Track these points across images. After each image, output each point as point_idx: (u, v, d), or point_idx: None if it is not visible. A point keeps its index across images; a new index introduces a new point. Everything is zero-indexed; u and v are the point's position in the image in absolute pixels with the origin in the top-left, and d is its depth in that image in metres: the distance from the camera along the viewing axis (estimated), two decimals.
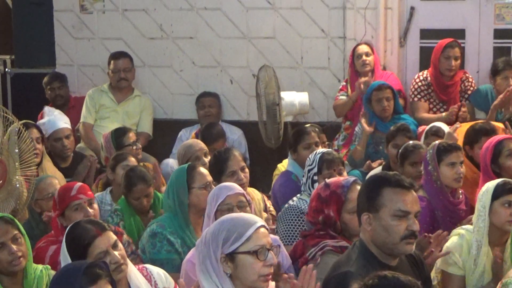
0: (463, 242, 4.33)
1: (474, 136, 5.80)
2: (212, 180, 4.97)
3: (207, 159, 5.88)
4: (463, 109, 7.13)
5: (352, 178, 4.46)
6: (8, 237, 3.94)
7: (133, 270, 3.80)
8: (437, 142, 5.35)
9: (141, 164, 6.02)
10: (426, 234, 4.33)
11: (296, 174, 6.00)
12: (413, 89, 7.53)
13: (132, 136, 6.78)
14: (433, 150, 5.13)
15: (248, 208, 4.24)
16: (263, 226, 3.42)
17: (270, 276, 3.40)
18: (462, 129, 6.09)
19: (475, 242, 4.26)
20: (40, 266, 4.11)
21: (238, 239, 3.35)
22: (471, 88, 7.48)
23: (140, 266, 3.98)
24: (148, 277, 3.87)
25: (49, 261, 4.39)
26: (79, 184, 4.88)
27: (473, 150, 5.75)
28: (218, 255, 3.37)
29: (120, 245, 3.74)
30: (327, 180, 4.50)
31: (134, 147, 6.58)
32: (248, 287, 3.36)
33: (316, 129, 6.27)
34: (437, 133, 6.19)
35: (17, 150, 4.38)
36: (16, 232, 3.98)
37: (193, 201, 4.80)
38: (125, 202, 5.58)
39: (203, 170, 4.98)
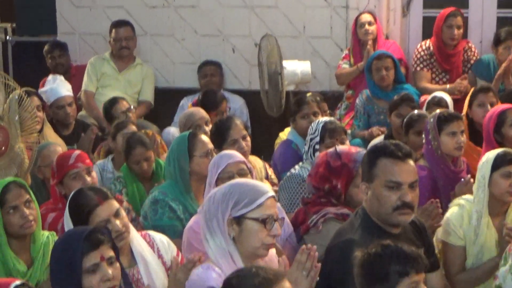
0: (463, 212, 4.31)
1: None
2: (214, 148, 4.97)
3: (208, 128, 5.89)
4: (464, 81, 7.15)
5: (364, 152, 4.36)
6: (21, 200, 3.95)
7: (136, 237, 3.81)
8: (437, 111, 5.36)
9: (142, 131, 6.00)
10: (432, 200, 4.32)
11: (296, 143, 6.02)
12: (415, 59, 7.53)
13: (124, 104, 6.80)
14: (434, 120, 5.13)
15: (249, 176, 4.24)
16: (273, 196, 3.44)
17: (272, 246, 3.43)
18: None
19: (475, 213, 4.25)
20: (46, 233, 4.13)
21: (248, 204, 3.37)
22: (474, 58, 7.48)
23: (143, 232, 3.99)
24: (151, 243, 3.89)
25: (48, 229, 4.39)
26: (77, 152, 4.86)
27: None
28: (226, 216, 3.38)
29: (122, 213, 3.74)
30: (338, 149, 4.44)
31: (128, 115, 6.62)
32: (249, 252, 3.37)
33: (317, 98, 6.26)
34: (439, 103, 6.18)
35: (17, 118, 4.36)
36: (28, 196, 3.99)
37: (194, 169, 4.80)
38: (127, 169, 5.59)
39: (205, 138, 4.97)
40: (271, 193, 3.44)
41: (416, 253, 3.06)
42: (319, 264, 3.16)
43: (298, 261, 3.17)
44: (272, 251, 3.57)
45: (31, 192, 4.07)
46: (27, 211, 3.94)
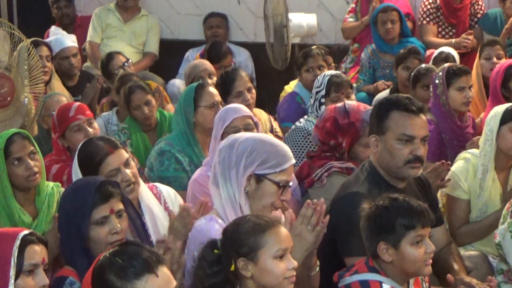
0: (469, 166, 4.32)
1: None
2: (221, 101, 4.95)
3: (211, 80, 5.85)
4: (470, 36, 7.10)
5: (371, 108, 4.36)
6: (25, 152, 3.95)
7: (144, 189, 3.80)
8: (446, 65, 5.32)
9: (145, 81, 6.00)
10: (444, 161, 4.31)
11: (302, 96, 6.02)
12: (422, 12, 7.44)
13: (120, 59, 6.76)
14: (443, 74, 5.11)
15: (255, 130, 4.23)
16: (293, 163, 3.46)
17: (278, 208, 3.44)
18: None
19: (481, 167, 4.25)
20: (51, 184, 4.13)
21: (274, 167, 3.37)
22: (481, 12, 7.39)
23: (150, 184, 4.00)
24: (158, 195, 3.89)
25: (53, 180, 4.39)
26: (77, 104, 4.84)
27: None
28: (248, 171, 3.38)
29: (132, 163, 3.73)
30: (347, 105, 4.40)
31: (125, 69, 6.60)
32: (257, 209, 3.37)
33: (322, 52, 6.23)
34: (446, 59, 6.13)
35: (26, 67, 4.35)
36: (32, 147, 3.99)
37: (199, 120, 4.80)
38: (131, 119, 5.60)
39: (212, 90, 4.95)
40: (294, 160, 3.46)
41: (423, 208, 3.07)
42: (327, 218, 3.16)
43: (303, 215, 3.16)
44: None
45: (35, 144, 4.06)
46: (31, 163, 3.93)
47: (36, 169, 3.92)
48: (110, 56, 6.79)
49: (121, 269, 2.29)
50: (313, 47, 6.44)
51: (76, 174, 3.69)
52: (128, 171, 3.65)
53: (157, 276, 2.30)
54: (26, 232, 2.82)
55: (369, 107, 4.46)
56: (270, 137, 3.68)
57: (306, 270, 3.20)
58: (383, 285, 3.05)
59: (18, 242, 2.75)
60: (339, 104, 4.47)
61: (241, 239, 2.88)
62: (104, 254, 2.36)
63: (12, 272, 2.71)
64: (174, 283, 2.35)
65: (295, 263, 2.91)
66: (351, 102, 4.54)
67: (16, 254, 2.73)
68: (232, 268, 2.88)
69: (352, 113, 4.33)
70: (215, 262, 2.93)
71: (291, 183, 3.45)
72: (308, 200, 3.19)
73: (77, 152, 3.77)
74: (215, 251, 2.95)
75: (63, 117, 4.69)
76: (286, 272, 2.87)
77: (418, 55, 6.24)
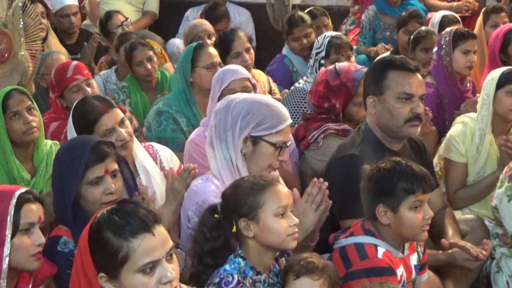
0: (466, 130, 4.32)
1: None
2: (220, 62, 4.92)
3: (210, 41, 5.81)
4: (471, 0, 7.07)
5: (363, 70, 4.35)
6: (23, 106, 3.95)
7: (138, 148, 3.81)
8: (454, 27, 5.31)
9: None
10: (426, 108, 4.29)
11: (290, 59, 6.02)
12: None
13: (119, 18, 6.76)
14: (449, 36, 5.10)
15: (252, 92, 4.21)
16: (290, 123, 3.46)
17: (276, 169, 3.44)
18: None
19: (478, 131, 4.25)
20: (49, 142, 4.13)
21: (270, 128, 3.37)
22: None
23: (147, 144, 4.00)
24: (154, 155, 3.90)
25: (51, 138, 4.40)
26: (75, 63, 4.80)
27: None
28: (244, 133, 3.38)
29: (127, 122, 3.74)
30: (337, 67, 4.41)
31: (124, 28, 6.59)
32: (254, 171, 3.37)
33: (309, 18, 6.17)
34: (452, 22, 6.06)
35: (21, 25, 4.33)
36: (30, 103, 3.99)
37: (196, 80, 4.79)
38: (131, 78, 5.59)
39: (212, 50, 4.92)
40: (290, 120, 3.45)
41: (425, 173, 3.07)
42: (330, 201, 3.16)
43: (309, 194, 3.16)
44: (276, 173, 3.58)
45: (33, 100, 4.05)
46: (29, 117, 3.94)
47: (34, 124, 3.93)
48: (109, 15, 6.77)
49: (118, 226, 2.28)
50: (309, 8, 6.41)
51: (72, 133, 3.69)
52: (123, 130, 3.64)
53: (153, 235, 2.30)
54: (22, 190, 2.83)
55: (360, 67, 4.47)
56: (266, 97, 3.66)
57: (305, 242, 3.21)
58: (378, 248, 3.05)
59: (14, 201, 2.76)
60: (330, 67, 4.47)
61: (241, 199, 2.89)
62: (102, 212, 2.36)
63: (9, 231, 2.72)
64: (171, 243, 2.35)
65: (296, 220, 2.91)
66: (342, 64, 4.52)
67: (13, 212, 2.74)
68: (234, 230, 2.89)
69: (343, 73, 4.33)
70: (215, 227, 2.95)
71: (289, 143, 3.45)
72: (315, 179, 3.19)
73: (72, 111, 3.78)
74: (215, 216, 2.96)
75: (61, 77, 4.67)
76: (288, 229, 2.87)
77: (420, 18, 6.19)
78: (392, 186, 3.02)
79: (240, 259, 2.89)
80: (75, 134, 3.63)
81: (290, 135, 4.43)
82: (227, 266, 2.87)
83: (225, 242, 2.93)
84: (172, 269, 2.31)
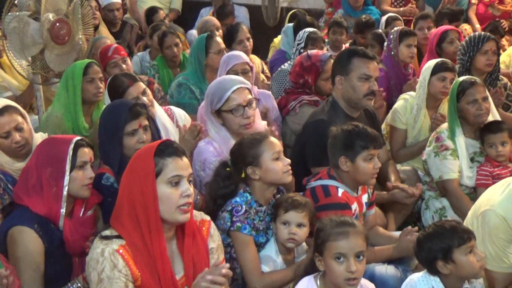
0: (407, 104, 4.30)
1: None
2: (225, 48, 4.90)
3: (218, 33, 5.77)
4: (413, 6, 7.04)
5: (328, 54, 4.41)
6: (98, 76, 3.99)
7: (159, 110, 3.79)
8: (400, 27, 5.33)
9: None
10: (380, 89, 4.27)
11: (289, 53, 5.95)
12: None
13: (161, 14, 6.90)
14: (397, 33, 5.09)
15: (250, 73, 4.19)
16: (240, 87, 3.37)
17: (251, 125, 3.37)
18: None
19: (416, 106, 4.24)
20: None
21: (219, 101, 3.35)
22: None
23: (166, 107, 3.98)
24: (171, 115, 3.88)
25: None
26: (114, 45, 4.82)
27: None
28: (209, 111, 3.41)
29: (148, 92, 3.71)
30: (309, 52, 4.44)
31: (164, 22, 6.62)
32: (234, 132, 3.37)
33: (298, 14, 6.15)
34: (396, 19, 6.19)
35: (79, 16, 4.30)
36: (101, 75, 4.02)
37: (208, 63, 4.76)
38: (160, 58, 5.57)
39: (219, 39, 4.92)
40: (238, 85, 3.37)
41: (376, 134, 3.07)
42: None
43: None
44: (260, 123, 3.55)
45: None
46: (100, 85, 3.96)
47: (101, 90, 3.95)
48: (155, 10, 6.96)
49: (160, 150, 2.36)
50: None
51: (107, 100, 3.69)
52: (145, 98, 3.62)
53: (181, 160, 2.37)
54: (78, 138, 2.83)
55: (325, 52, 4.54)
56: (220, 78, 3.65)
57: None
58: (339, 189, 3.05)
59: (72, 145, 2.76)
60: (304, 53, 4.50)
61: (245, 152, 2.90)
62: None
63: (68, 167, 2.72)
64: (191, 171, 2.42)
65: (288, 160, 2.93)
66: (313, 50, 4.54)
67: (71, 153, 2.74)
68: (243, 175, 2.90)
69: (313, 56, 4.34)
70: (226, 178, 2.95)
71: (249, 97, 3.37)
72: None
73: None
74: (227, 169, 2.96)
75: (103, 56, 4.72)
76: (284, 168, 2.89)
77: (372, 27, 6.14)
78: (352, 142, 3.01)
79: (248, 194, 2.90)
80: (109, 101, 3.62)
81: (275, 104, 4.47)
82: (237, 199, 2.88)
83: (233, 189, 2.93)
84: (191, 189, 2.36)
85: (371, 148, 3.00)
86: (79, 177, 2.74)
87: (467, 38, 4.61)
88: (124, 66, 4.63)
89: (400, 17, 6.27)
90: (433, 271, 2.61)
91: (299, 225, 2.86)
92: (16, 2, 4.17)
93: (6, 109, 3.19)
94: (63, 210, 2.71)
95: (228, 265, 2.28)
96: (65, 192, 2.71)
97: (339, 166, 3.04)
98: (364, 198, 3.19)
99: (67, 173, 2.71)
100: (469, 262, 2.54)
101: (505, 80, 4.74)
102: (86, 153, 2.80)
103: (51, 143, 2.82)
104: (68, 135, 2.95)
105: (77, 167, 2.75)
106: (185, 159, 2.39)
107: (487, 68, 4.47)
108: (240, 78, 3.56)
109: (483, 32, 4.64)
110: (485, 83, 4.44)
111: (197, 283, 2.29)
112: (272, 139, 2.93)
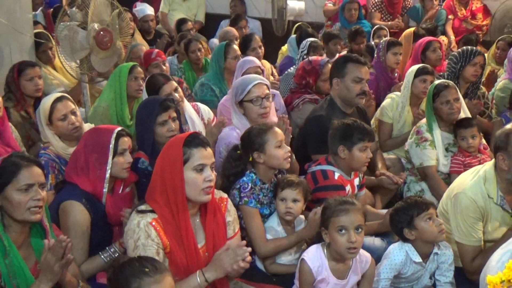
0: (393, 102, 4.28)
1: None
2: (241, 54, 4.89)
3: (237, 42, 5.76)
4: (400, 21, 7.00)
5: (326, 59, 4.44)
6: (140, 75, 4.01)
7: (187, 105, 3.80)
8: (387, 38, 5.32)
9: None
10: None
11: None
12: (372, 4, 7.29)
13: (189, 25, 6.84)
14: (385, 43, 5.06)
15: (261, 75, 4.17)
16: (260, 82, 3.37)
17: (267, 114, 3.37)
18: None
19: (401, 103, 4.22)
20: None
21: (242, 92, 3.35)
22: (409, 5, 7.24)
23: (193, 103, 3.98)
24: (197, 110, 3.88)
25: None
26: (156, 50, 4.87)
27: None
28: (234, 101, 3.40)
29: (179, 89, 3.72)
30: (310, 58, 4.46)
31: (191, 32, 6.61)
32: (252, 121, 3.36)
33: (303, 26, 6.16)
34: (381, 29, 6.22)
35: (117, 26, 4.30)
36: (143, 75, 4.02)
37: (227, 66, 4.75)
38: (186, 62, 5.57)
39: (236, 47, 4.91)
40: (257, 81, 3.38)
41: (370, 129, 3.08)
42: None
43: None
44: (274, 118, 3.54)
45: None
46: (141, 82, 3.97)
47: (142, 87, 3.94)
48: (184, 21, 6.95)
49: (187, 141, 2.37)
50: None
51: (145, 96, 3.69)
52: (176, 94, 3.63)
53: (205, 150, 2.38)
54: (119, 128, 2.83)
55: (324, 57, 4.54)
56: (247, 75, 3.64)
57: None
58: (335, 173, 3.05)
59: (114, 135, 2.76)
60: (306, 59, 4.51)
61: (253, 139, 2.89)
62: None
63: (110, 153, 2.73)
64: (214, 160, 2.42)
65: (289, 148, 2.92)
66: (313, 56, 4.57)
67: (113, 141, 2.75)
68: (250, 159, 2.90)
69: (313, 61, 4.37)
70: (237, 159, 2.95)
71: (267, 92, 3.37)
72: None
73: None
74: (238, 152, 2.97)
75: (147, 57, 4.75)
76: (284, 155, 2.88)
77: (362, 33, 6.12)
78: (350, 134, 3.01)
79: (253, 174, 2.90)
80: (147, 96, 3.63)
81: (282, 102, 4.46)
82: (244, 178, 2.89)
83: (243, 168, 2.93)
84: (213, 175, 2.37)
85: (366, 140, 3.01)
86: (119, 162, 2.75)
87: (460, 50, 4.51)
88: (163, 67, 4.67)
89: (385, 27, 6.31)
90: (404, 238, 2.67)
91: (294, 201, 2.85)
92: (68, 12, 4.19)
93: (63, 97, 3.32)
94: (105, 190, 2.72)
95: (250, 249, 2.27)
96: (107, 175, 2.72)
97: (338, 153, 3.04)
98: (356, 181, 3.19)
99: (110, 158, 2.72)
100: (428, 227, 2.60)
101: (484, 89, 4.70)
102: (126, 141, 2.80)
103: (97, 132, 2.83)
104: (110, 126, 2.94)
105: (118, 153, 2.75)
106: (209, 150, 2.39)
107: (473, 78, 4.40)
108: (260, 76, 3.58)
109: (474, 48, 4.57)
110: (467, 90, 4.44)
111: (221, 260, 2.27)
112: (276, 129, 2.93)
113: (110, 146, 2.73)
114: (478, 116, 4.38)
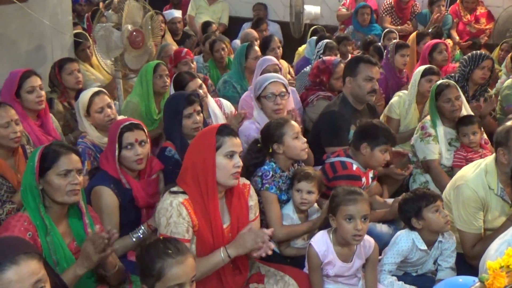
0: (400, 100, 4.24)
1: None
2: (261, 55, 4.86)
3: (256, 43, 5.74)
4: (409, 25, 6.90)
5: (339, 59, 4.41)
6: (165, 73, 3.96)
7: (211, 100, 3.80)
8: (396, 40, 5.27)
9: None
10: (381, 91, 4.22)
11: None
12: (382, 9, 7.18)
13: (214, 27, 6.79)
14: (394, 45, 5.02)
15: (279, 73, 4.14)
16: (276, 81, 3.34)
17: (280, 111, 3.34)
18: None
19: (407, 101, 4.17)
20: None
21: (259, 89, 3.34)
22: (417, 10, 7.12)
23: (216, 99, 3.98)
24: (220, 105, 3.89)
25: None
26: (186, 49, 4.85)
27: None
28: (254, 96, 3.39)
29: (203, 86, 3.71)
30: (324, 58, 4.44)
31: (216, 33, 6.55)
32: (269, 115, 3.35)
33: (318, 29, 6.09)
34: (391, 32, 6.15)
35: (149, 27, 4.31)
36: (167, 72, 3.96)
37: (247, 65, 4.73)
38: (211, 61, 5.55)
39: (257, 48, 4.89)
40: (273, 79, 3.36)
41: (394, 135, 3.06)
42: None
43: None
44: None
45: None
46: (166, 79, 3.96)
47: (167, 84, 3.93)
48: (209, 24, 6.87)
49: (220, 130, 2.36)
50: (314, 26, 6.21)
51: (173, 91, 3.69)
52: (200, 91, 3.62)
53: (235, 139, 2.38)
54: (126, 123, 2.73)
55: (337, 58, 4.52)
56: (266, 74, 3.62)
57: None
58: (353, 165, 3.03)
59: (118, 130, 2.70)
60: (320, 59, 4.49)
61: (272, 132, 2.88)
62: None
63: (115, 147, 2.67)
64: (241, 148, 2.39)
65: (305, 139, 2.90)
66: (327, 57, 4.54)
67: (117, 137, 2.68)
68: (270, 150, 2.89)
69: (327, 61, 4.35)
70: (257, 151, 2.94)
71: (282, 90, 3.35)
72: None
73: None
74: (258, 145, 2.96)
75: (177, 55, 4.73)
76: (302, 145, 2.87)
77: (377, 47, 5.93)
78: (376, 135, 2.96)
79: (273, 163, 2.89)
80: (173, 91, 3.63)
81: (298, 98, 4.43)
82: (265, 166, 2.87)
83: (262, 160, 2.92)
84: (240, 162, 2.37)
85: (389, 143, 2.98)
86: (127, 156, 2.68)
87: (469, 54, 4.41)
88: (192, 65, 4.68)
89: (394, 30, 6.24)
90: (411, 227, 2.65)
91: (309, 192, 2.84)
92: (105, 14, 4.21)
93: (100, 91, 3.33)
94: (123, 178, 2.69)
95: (270, 231, 2.29)
96: (117, 166, 2.69)
97: (360, 149, 3.00)
98: (370, 174, 3.17)
99: (116, 152, 2.68)
100: (435, 218, 2.58)
101: (491, 92, 4.61)
102: (131, 136, 2.71)
103: (112, 126, 2.80)
104: (122, 120, 2.83)
105: (123, 147, 2.69)
106: (238, 139, 2.39)
107: (481, 80, 4.31)
108: (278, 75, 3.55)
109: (483, 52, 4.48)
110: (475, 92, 4.36)
111: (243, 239, 2.29)
112: (293, 122, 2.91)
113: (115, 140, 2.67)
114: (488, 116, 4.30)
